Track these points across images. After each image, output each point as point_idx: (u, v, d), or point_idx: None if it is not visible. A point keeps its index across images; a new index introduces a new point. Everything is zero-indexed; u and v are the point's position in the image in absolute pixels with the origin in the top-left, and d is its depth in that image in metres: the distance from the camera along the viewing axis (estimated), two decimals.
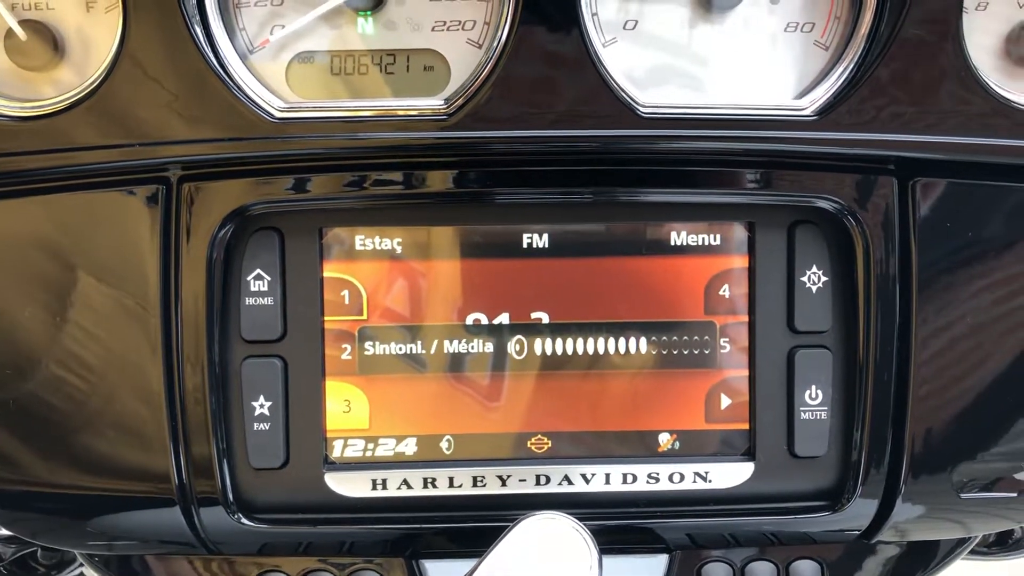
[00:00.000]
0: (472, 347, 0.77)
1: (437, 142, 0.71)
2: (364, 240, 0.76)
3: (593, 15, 0.73)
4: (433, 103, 0.72)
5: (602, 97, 0.71)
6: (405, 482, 0.78)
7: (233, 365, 0.76)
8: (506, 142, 0.72)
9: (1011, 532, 1.18)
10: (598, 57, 0.71)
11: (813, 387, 0.78)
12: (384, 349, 0.77)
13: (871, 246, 0.75)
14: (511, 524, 0.67)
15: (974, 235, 0.75)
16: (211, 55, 0.70)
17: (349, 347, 0.77)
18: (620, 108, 0.71)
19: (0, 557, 0.93)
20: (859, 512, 0.80)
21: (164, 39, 0.69)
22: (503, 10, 0.71)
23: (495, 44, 0.70)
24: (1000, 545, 1.19)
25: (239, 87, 0.71)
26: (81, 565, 1.08)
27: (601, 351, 0.78)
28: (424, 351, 0.77)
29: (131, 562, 0.84)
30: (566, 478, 0.78)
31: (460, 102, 0.70)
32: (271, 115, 0.71)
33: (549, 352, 0.78)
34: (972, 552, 1.21)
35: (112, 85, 0.69)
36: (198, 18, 0.70)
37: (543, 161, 0.75)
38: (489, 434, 0.79)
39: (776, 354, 0.78)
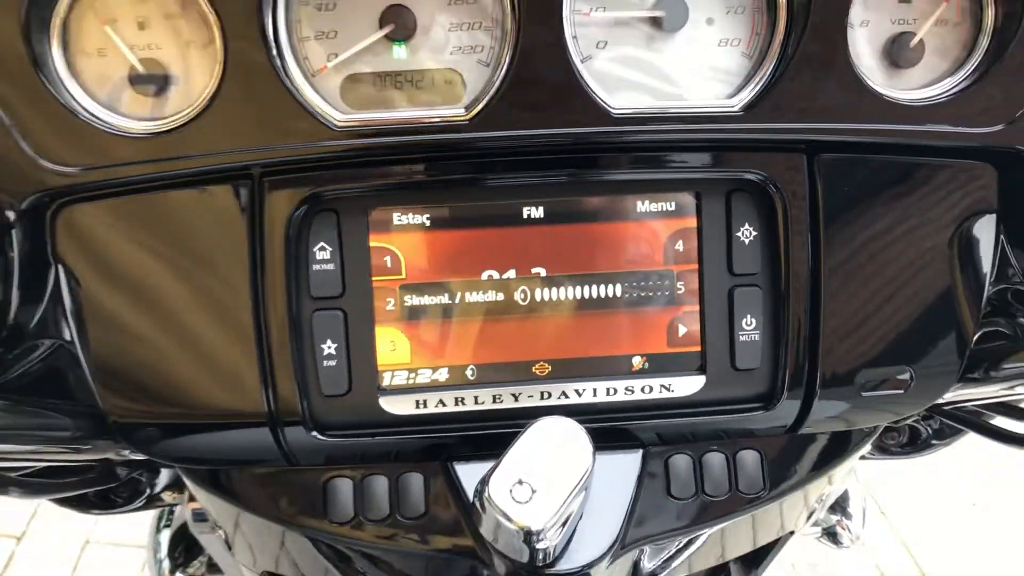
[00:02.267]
0: (487, 296, 0.88)
1: (459, 141, 0.82)
2: (401, 217, 0.86)
3: (573, 38, 0.82)
4: (454, 111, 0.82)
5: (582, 102, 0.81)
6: (440, 401, 0.89)
7: (305, 316, 0.86)
8: (511, 139, 0.82)
9: (919, 434, 1.32)
10: (578, 71, 0.81)
11: (748, 316, 0.90)
12: (420, 301, 0.88)
13: (788, 207, 0.86)
14: (525, 427, 0.78)
15: (867, 196, 0.87)
16: (287, 80, 0.80)
17: (392, 300, 0.87)
18: (596, 110, 0.82)
19: (117, 476, 1.08)
20: (786, 411, 0.92)
21: (252, 70, 0.78)
22: (505, 37, 0.81)
23: (500, 64, 0.81)
24: (912, 445, 1.33)
25: (308, 104, 0.80)
26: (151, 495, 1.23)
27: (587, 296, 0.89)
28: (451, 301, 0.88)
29: (220, 476, 0.95)
30: (563, 393, 0.90)
31: (476, 110, 0.81)
32: (333, 125, 0.81)
33: (547, 298, 0.89)
34: (889, 453, 1.42)
35: (214, 107, 0.79)
36: (276, 52, 0.79)
37: (539, 151, 0.85)
38: (503, 363, 0.90)
39: (719, 292, 0.90)
